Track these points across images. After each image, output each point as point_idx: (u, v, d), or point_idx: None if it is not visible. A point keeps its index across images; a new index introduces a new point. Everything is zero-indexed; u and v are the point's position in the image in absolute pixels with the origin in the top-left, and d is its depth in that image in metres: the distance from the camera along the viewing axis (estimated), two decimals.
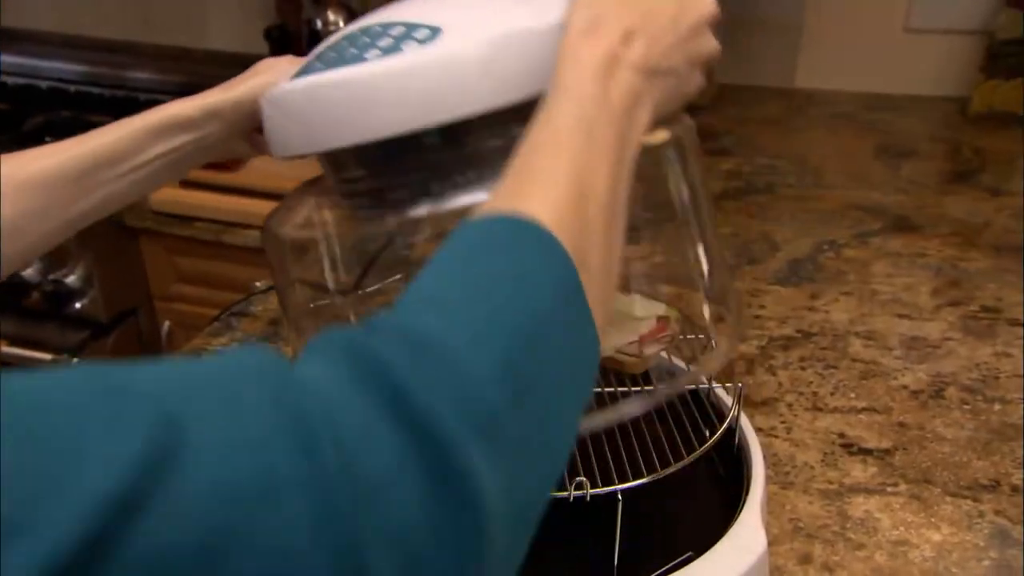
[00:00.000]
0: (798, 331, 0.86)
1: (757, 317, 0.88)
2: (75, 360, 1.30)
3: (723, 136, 1.40)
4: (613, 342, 0.59)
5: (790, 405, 0.75)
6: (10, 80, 1.77)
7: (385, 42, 0.42)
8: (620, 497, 0.48)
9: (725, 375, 0.64)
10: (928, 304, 0.91)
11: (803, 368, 0.80)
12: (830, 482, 0.66)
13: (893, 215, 1.11)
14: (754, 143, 1.36)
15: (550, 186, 0.34)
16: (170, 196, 1.28)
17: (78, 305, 1.33)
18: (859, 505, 0.64)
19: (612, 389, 0.59)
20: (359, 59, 0.42)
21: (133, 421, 0.22)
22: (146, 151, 0.51)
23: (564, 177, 0.34)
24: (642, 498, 0.58)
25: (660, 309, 0.61)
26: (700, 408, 0.61)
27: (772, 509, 0.64)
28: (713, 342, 0.63)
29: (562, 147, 0.35)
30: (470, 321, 0.28)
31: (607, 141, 0.36)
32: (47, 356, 1.31)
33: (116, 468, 0.21)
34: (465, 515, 0.25)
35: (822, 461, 0.68)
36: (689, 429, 0.56)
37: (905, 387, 0.78)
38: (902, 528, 0.62)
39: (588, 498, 0.48)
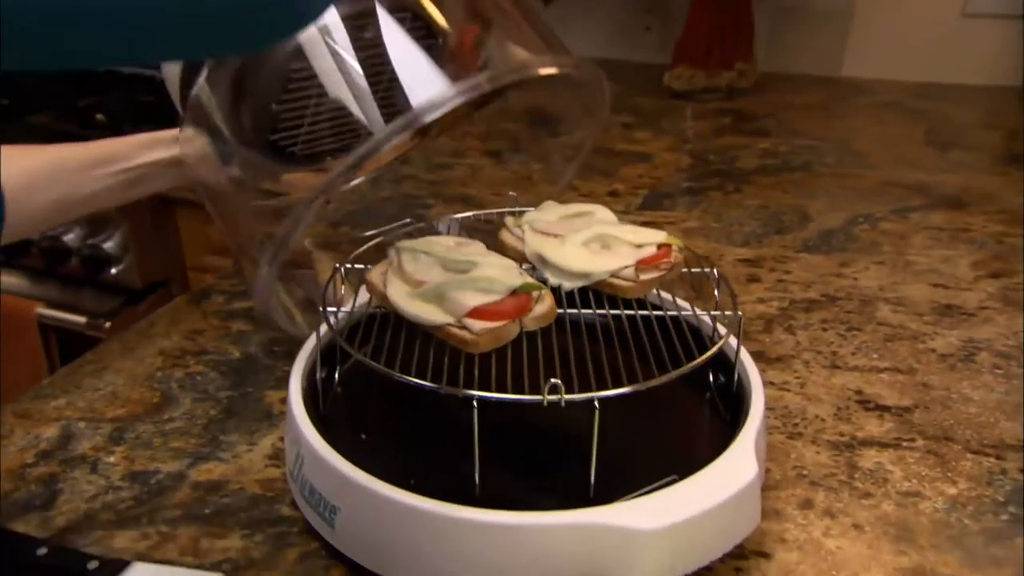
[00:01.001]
0: (823, 295, 0.82)
1: (780, 281, 0.85)
2: (107, 325, 1.33)
3: (763, 119, 1.36)
4: (608, 266, 0.56)
5: (807, 362, 0.71)
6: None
7: None
8: (596, 405, 0.46)
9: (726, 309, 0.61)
10: (967, 275, 0.86)
11: (824, 329, 0.76)
12: (841, 434, 0.62)
13: (938, 194, 1.06)
14: (793, 126, 1.32)
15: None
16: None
17: (113, 271, 1.36)
18: (870, 457, 0.60)
19: (604, 311, 0.56)
20: None
21: None
22: (134, 159, 0.64)
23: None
24: (626, 414, 0.56)
25: (661, 236, 0.58)
26: (699, 340, 0.58)
27: (775, 457, 0.60)
28: (715, 272, 0.60)
29: None
30: None
31: None
32: (82, 319, 1.34)
33: None
34: None
35: (834, 415, 0.65)
36: (681, 353, 0.53)
37: (933, 350, 0.73)
38: (915, 480, 0.58)
39: (563, 403, 0.45)
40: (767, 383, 0.68)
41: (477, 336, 0.49)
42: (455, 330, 0.49)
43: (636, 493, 0.47)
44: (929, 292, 0.83)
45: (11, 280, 1.45)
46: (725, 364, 0.59)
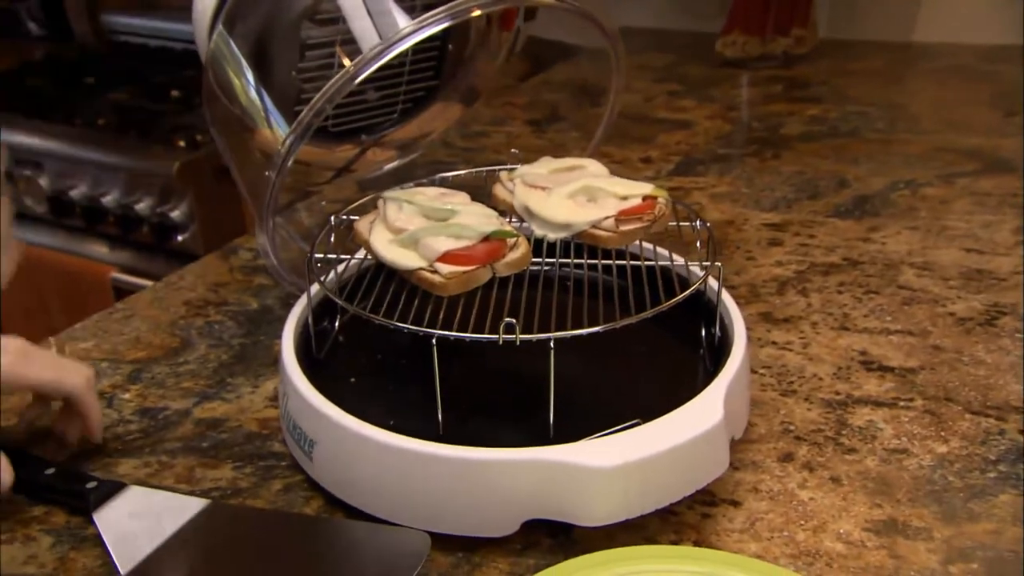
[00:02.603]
0: (845, 259, 0.80)
1: (802, 245, 0.83)
2: None
3: (816, 86, 1.32)
4: (590, 216, 0.57)
5: (814, 324, 0.70)
6: (151, 42, 1.93)
7: None
8: (552, 346, 0.47)
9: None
10: (1007, 240, 0.82)
11: (840, 292, 0.75)
12: (836, 393, 0.61)
13: (992, 158, 1.01)
14: (847, 92, 1.28)
15: None
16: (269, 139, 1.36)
17: (180, 239, 1.43)
18: (862, 415, 0.59)
19: (584, 261, 0.57)
20: None
21: None
22: None
23: None
24: (607, 361, 0.57)
25: (647, 189, 0.59)
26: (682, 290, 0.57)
27: (764, 412, 0.60)
28: (697, 223, 0.60)
29: None
30: None
31: None
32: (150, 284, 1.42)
33: None
34: None
35: (834, 374, 0.63)
36: (661, 299, 0.53)
37: (952, 314, 0.70)
38: (905, 439, 0.56)
39: (518, 343, 0.47)
40: (770, 343, 0.67)
41: (446, 279, 0.50)
42: (426, 274, 0.51)
43: (596, 435, 0.48)
44: (960, 257, 0.79)
45: (91, 247, 1.55)
46: (714, 317, 0.58)
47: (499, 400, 0.55)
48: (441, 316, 0.50)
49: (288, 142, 0.56)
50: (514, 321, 0.46)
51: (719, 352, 0.57)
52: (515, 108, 1.23)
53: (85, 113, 1.59)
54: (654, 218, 0.57)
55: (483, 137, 1.12)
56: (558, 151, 1.06)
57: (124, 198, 1.46)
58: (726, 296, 0.59)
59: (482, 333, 0.48)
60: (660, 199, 0.58)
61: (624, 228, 0.56)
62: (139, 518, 0.49)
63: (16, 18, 2.07)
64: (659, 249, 0.64)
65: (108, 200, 1.47)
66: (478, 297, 0.52)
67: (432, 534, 0.47)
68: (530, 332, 0.47)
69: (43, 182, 1.53)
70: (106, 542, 0.48)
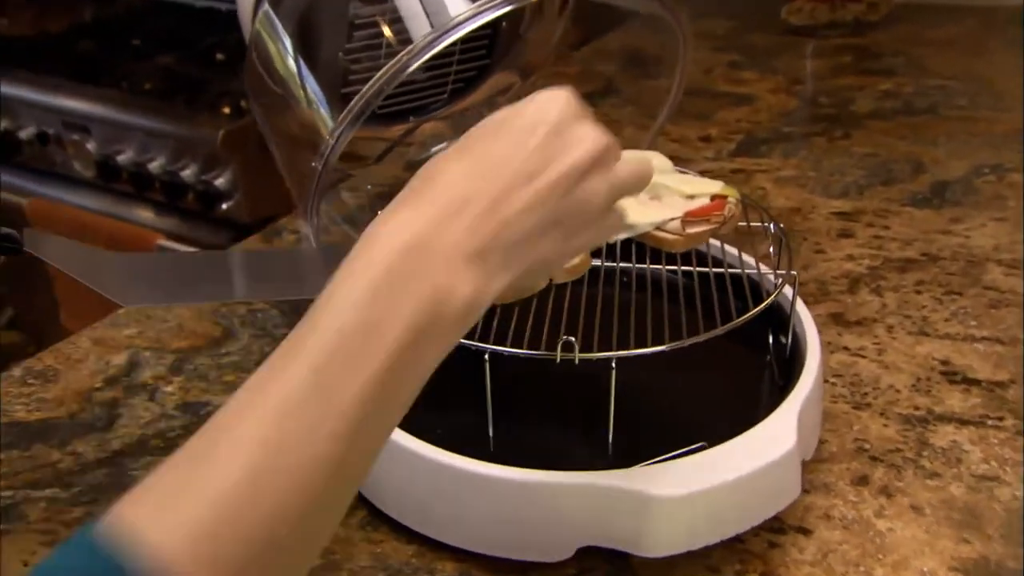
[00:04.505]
0: (924, 254, 0.75)
1: (876, 237, 0.77)
2: None
3: (890, 56, 1.24)
4: (655, 217, 0.53)
5: (890, 327, 0.65)
6: (197, 3, 1.91)
7: None
8: (614, 366, 0.43)
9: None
10: None
11: (918, 291, 0.69)
12: (916, 408, 0.57)
13: None
14: (925, 64, 1.20)
15: (214, 485, 0.25)
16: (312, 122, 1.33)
17: (224, 207, 1.42)
18: (946, 435, 0.54)
19: (649, 266, 0.53)
20: None
21: None
22: None
23: (243, 474, 0.25)
24: (671, 374, 0.53)
25: (715, 187, 0.54)
26: (755, 299, 0.53)
27: (835, 428, 0.55)
28: (771, 226, 0.55)
29: (254, 444, 0.27)
30: None
31: (349, 413, 0.27)
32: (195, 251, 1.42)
33: None
34: None
35: (912, 386, 0.59)
36: (731, 311, 0.49)
37: None
38: (995, 463, 0.52)
39: (577, 362, 0.43)
40: (841, 348, 0.63)
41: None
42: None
43: (658, 458, 0.45)
44: None
45: (139, 212, 1.55)
46: (785, 325, 0.54)
47: (555, 416, 0.51)
48: (494, 326, 0.47)
49: (337, 133, 0.53)
50: (573, 340, 0.43)
51: (790, 364, 0.53)
52: (567, 79, 1.18)
53: (132, 77, 1.58)
54: (723, 220, 0.53)
55: None
56: (612, 128, 1.01)
57: (170, 164, 1.45)
58: (800, 305, 0.55)
59: (538, 346, 0.45)
60: (730, 199, 0.54)
61: (691, 231, 0.52)
62: None
63: None
64: (727, 247, 0.59)
65: (154, 166, 1.46)
66: (534, 305, 0.49)
67: (482, 556, 0.44)
68: (590, 349, 0.44)
69: (91, 146, 1.52)
70: None
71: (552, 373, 0.47)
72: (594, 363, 0.44)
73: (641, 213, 0.53)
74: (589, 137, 0.33)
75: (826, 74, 1.20)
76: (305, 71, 0.59)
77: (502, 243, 0.31)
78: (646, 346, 0.44)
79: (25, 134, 1.57)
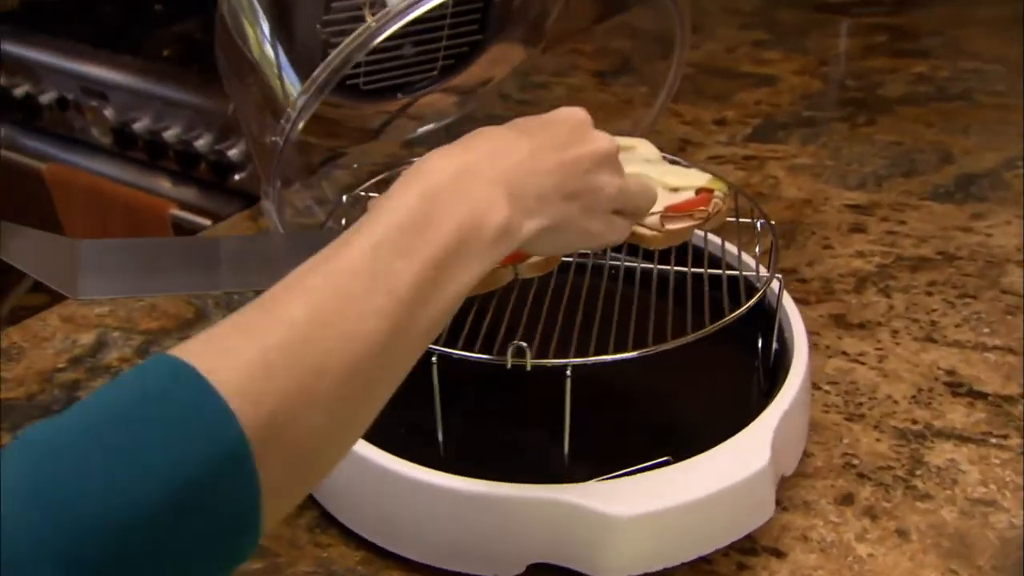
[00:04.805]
0: (939, 252, 0.70)
1: (890, 233, 0.73)
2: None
3: (927, 37, 1.18)
4: None
5: (895, 332, 0.61)
6: None
7: None
8: (569, 374, 0.40)
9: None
10: None
11: (929, 294, 0.65)
12: (914, 421, 0.53)
13: None
14: (963, 46, 1.13)
15: (269, 337, 0.28)
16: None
17: (237, 177, 1.41)
18: (943, 452, 0.51)
19: (618, 261, 0.50)
20: None
21: None
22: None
23: (293, 333, 0.29)
24: (648, 379, 0.50)
25: (703, 180, 0.50)
26: (747, 297, 0.49)
27: (823, 440, 0.52)
28: (759, 224, 0.51)
29: (316, 293, 0.30)
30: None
31: (398, 292, 0.31)
32: (208, 223, 1.41)
33: None
34: None
35: (912, 398, 0.55)
36: (714, 312, 0.46)
37: None
38: (993, 486, 0.48)
39: (528, 367, 0.40)
40: (839, 353, 0.59)
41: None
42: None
43: (615, 473, 0.42)
44: None
45: (154, 181, 1.55)
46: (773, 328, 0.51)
47: (515, 423, 0.48)
48: (446, 326, 0.44)
49: (300, 103, 0.50)
50: (525, 345, 0.40)
51: (775, 370, 0.50)
52: (581, 56, 1.14)
53: (151, 44, 1.57)
54: (707, 216, 0.49)
55: (542, 89, 1.03)
56: (623, 108, 0.97)
57: (184, 134, 1.44)
58: (789, 303, 0.51)
59: (492, 349, 0.42)
60: (717, 193, 0.50)
61: (670, 227, 0.48)
62: None
63: None
64: (712, 240, 0.55)
65: (169, 135, 1.45)
66: (494, 303, 0.46)
67: (430, 568, 0.42)
68: (546, 354, 0.41)
69: (108, 113, 1.52)
70: None
71: (512, 376, 0.44)
72: (551, 368, 0.41)
73: None
74: (604, 139, 0.40)
75: (857, 55, 1.14)
76: (276, 42, 0.57)
77: (532, 190, 0.36)
78: (608, 352, 0.41)
79: (46, 99, 1.57)
